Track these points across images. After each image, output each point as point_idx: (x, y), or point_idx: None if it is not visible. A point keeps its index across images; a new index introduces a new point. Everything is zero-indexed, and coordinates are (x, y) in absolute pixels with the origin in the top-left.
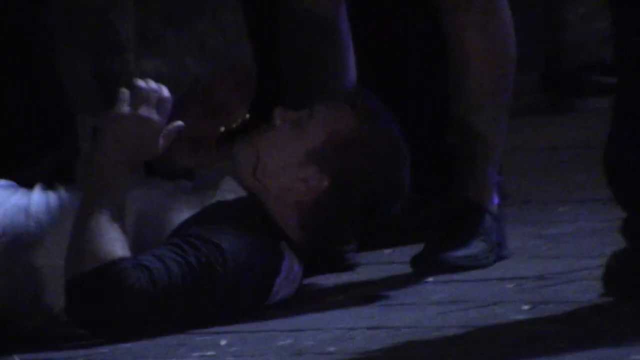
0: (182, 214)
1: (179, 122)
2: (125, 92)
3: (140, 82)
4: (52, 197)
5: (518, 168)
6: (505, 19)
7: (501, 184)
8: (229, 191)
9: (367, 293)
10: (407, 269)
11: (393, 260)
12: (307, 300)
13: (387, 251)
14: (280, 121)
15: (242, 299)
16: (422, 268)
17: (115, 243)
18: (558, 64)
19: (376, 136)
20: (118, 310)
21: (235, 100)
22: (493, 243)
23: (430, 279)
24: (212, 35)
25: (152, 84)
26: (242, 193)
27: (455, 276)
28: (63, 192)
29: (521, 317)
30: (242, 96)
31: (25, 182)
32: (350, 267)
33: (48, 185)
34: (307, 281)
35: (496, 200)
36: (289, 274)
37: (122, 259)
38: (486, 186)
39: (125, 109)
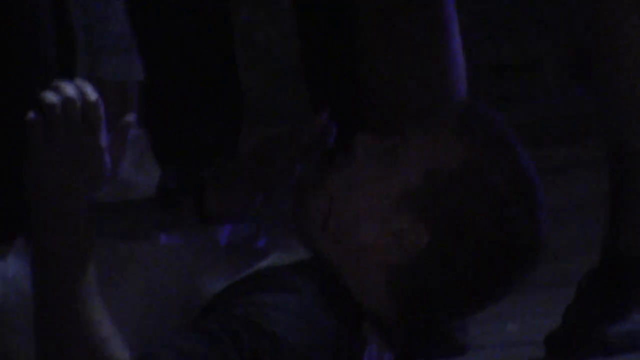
0: (215, 282)
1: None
2: (32, 120)
3: (48, 96)
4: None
5: None
6: None
7: None
8: (286, 250)
9: None
10: (539, 351)
11: (520, 339)
12: None
13: (511, 326)
14: (364, 151)
15: None
16: (563, 349)
17: (106, 343)
18: None
19: (498, 172)
20: None
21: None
22: None
23: None
24: None
25: (68, 90)
26: (303, 254)
27: None
28: None
29: None
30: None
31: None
32: (461, 349)
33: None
34: None
35: None
36: None
37: None
38: None
39: (35, 148)
